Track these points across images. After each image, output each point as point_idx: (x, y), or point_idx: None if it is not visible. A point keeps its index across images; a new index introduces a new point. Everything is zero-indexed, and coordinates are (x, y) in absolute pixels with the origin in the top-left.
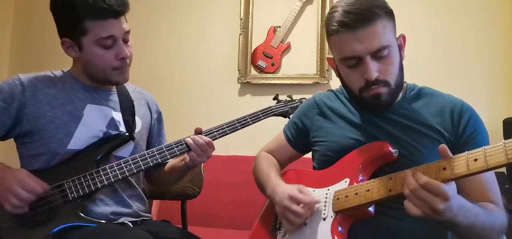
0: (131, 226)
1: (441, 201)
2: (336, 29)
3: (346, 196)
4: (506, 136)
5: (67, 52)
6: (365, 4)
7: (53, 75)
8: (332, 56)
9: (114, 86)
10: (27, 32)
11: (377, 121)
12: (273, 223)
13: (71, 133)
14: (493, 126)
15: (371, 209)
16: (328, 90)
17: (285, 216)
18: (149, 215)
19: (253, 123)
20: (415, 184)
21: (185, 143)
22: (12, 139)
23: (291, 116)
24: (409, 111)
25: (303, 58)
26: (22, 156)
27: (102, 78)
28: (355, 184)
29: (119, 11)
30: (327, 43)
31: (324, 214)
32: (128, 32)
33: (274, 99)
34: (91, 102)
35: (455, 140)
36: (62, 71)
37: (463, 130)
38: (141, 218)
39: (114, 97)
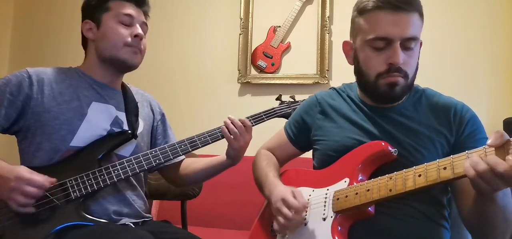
0: (133, 226)
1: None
2: (377, 5)
3: (346, 196)
4: None
5: (86, 34)
6: None
7: (61, 71)
8: (351, 41)
9: (120, 86)
10: (27, 31)
11: (379, 121)
12: (272, 225)
13: (75, 130)
14: (493, 126)
15: (371, 209)
16: (330, 88)
17: (276, 218)
18: (149, 215)
19: (255, 124)
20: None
21: (218, 131)
22: (13, 136)
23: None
24: (412, 112)
25: (303, 58)
26: (22, 152)
27: (112, 56)
28: (355, 184)
29: (140, 1)
30: (355, 24)
31: (324, 214)
32: (145, 24)
33: (277, 99)
34: (96, 100)
35: (456, 140)
36: (70, 68)
37: (463, 129)
38: (142, 219)
39: (119, 97)
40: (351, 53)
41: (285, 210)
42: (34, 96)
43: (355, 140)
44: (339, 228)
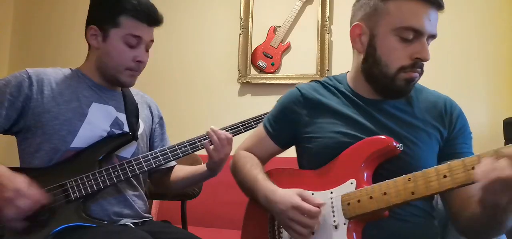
0: (133, 227)
1: None
2: None
3: (359, 201)
4: (506, 137)
5: (89, 40)
6: None
7: (60, 72)
8: (362, 24)
9: (120, 88)
10: (27, 31)
11: (375, 114)
12: (270, 231)
13: (75, 131)
14: (493, 126)
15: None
16: (312, 81)
17: (292, 228)
18: (149, 215)
19: (256, 126)
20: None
21: (207, 136)
22: (13, 136)
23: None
24: (405, 105)
25: (303, 58)
26: (22, 153)
27: (112, 75)
28: (365, 186)
29: (154, 20)
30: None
31: (334, 221)
32: (152, 41)
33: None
34: (96, 101)
35: (448, 133)
36: (70, 69)
37: (454, 124)
38: (142, 219)
39: (119, 98)
40: (363, 38)
41: (303, 218)
42: (34, 97)
43: (351, 136)
44: (354, 235)
